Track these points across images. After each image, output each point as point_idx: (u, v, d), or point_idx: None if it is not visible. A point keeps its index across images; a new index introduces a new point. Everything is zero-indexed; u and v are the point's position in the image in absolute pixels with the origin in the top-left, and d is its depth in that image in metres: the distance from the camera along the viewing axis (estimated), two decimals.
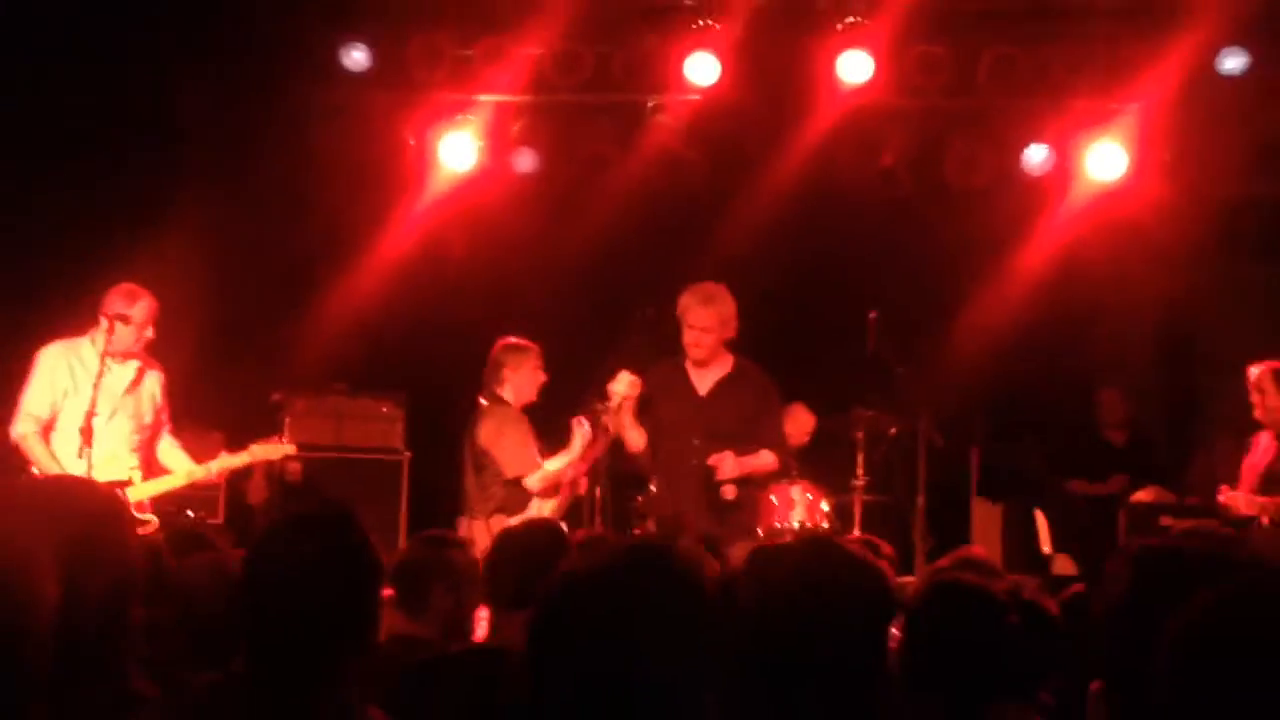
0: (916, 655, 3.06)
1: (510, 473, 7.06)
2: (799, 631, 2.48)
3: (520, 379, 7.18)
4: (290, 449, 7.12)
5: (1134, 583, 2.12)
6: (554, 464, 7.13)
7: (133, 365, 6.78)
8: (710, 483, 6.81)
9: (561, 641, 2.01)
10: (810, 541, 2.83)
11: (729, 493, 6.83)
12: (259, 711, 2.43)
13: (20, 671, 1.44)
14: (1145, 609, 2.03)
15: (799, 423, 8.67)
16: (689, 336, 6.91)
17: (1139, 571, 2.14)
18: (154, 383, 6.89)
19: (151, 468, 6.80)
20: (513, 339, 7.31)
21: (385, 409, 8.92)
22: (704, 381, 6.99)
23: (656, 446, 7.02)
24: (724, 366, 7.04)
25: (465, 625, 4.23)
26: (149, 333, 6.71)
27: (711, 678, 2.02)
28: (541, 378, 7.21)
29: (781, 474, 7.60)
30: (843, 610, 2.53)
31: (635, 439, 6.99)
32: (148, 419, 6.83)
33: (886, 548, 5.10)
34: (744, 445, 6.88)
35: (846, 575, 2.59)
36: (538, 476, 7.04)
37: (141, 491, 6.66)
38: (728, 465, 6.80)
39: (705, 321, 6.92)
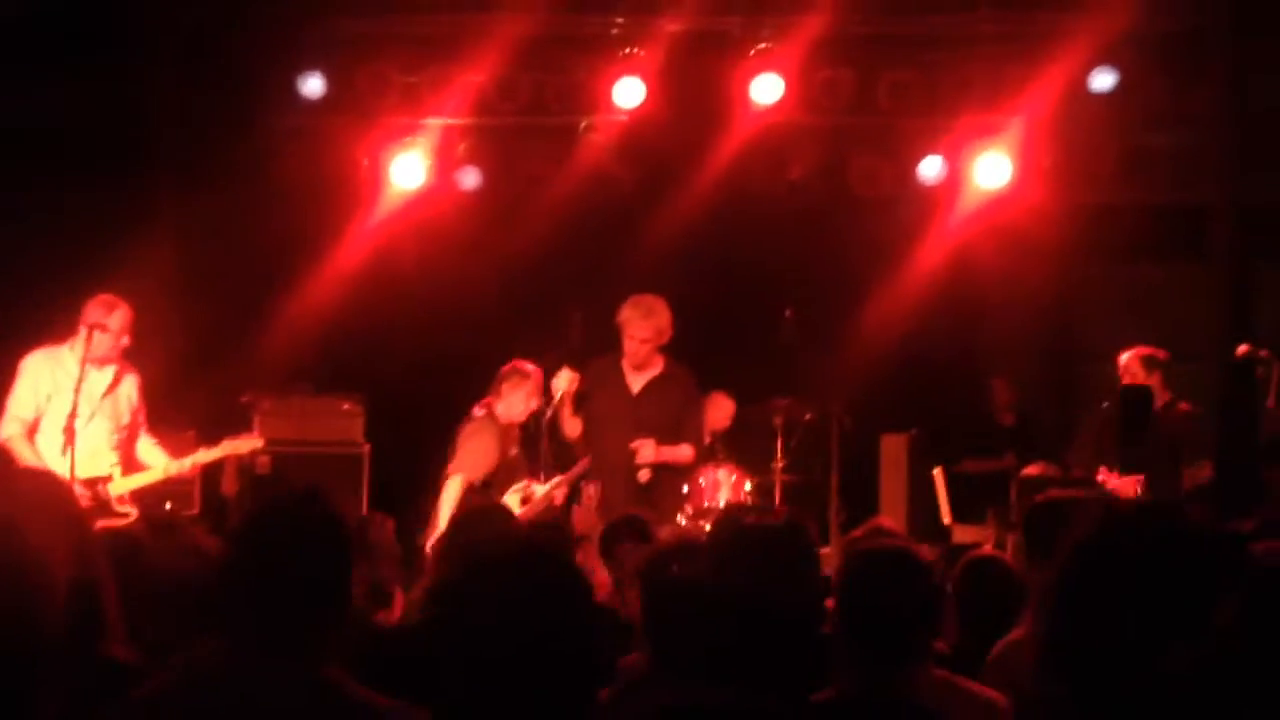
0: (850, 618, 3.04)
1: (451, 469, 7.00)
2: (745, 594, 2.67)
3: (513, 400, 7.17)
4: (259, 443, 7.05)
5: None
6: (541, 489, 7.12)
7: (110, 370, 6.68)
8: (631, 466, 6.85)
9: (451, 618, 2.10)
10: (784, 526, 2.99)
11: (644, 475, 6.85)
12: (245, 684, 2.41)
13: (38, 649, 1.39)
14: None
15: (720, 408, 8.61)
16: (629, 345, 6.95)
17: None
18: (130, 386, 6.79)
19: (131, 464, 6.72)
20: (523, 363, 7.27)
21: (346, 406, 8.79)
22: (637, 380, 7.03)
23: (591, 437, 7.06)
24: (656, 367, 7.07)
25: (388, 596, 4.27)
26: (125, 340, 6.61)
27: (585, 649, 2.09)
28: (534, 404, 7.18)
29: (702, 460, 7.56)
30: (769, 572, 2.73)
31: (572, 427, 7.08)
32: (125, 419, 6.74)
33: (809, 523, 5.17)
34: (668, 439, 6.94)
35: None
36: (457, 483, 6.94)
37: (121, 486, 6.58)
38: (646, 451, 6.84)
39: (644, 333, 6.96)
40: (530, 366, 7.28)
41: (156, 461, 6.73)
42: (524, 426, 7.26)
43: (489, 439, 7.11)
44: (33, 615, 1.38)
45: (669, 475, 7.06)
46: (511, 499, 7.00)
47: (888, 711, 2.40)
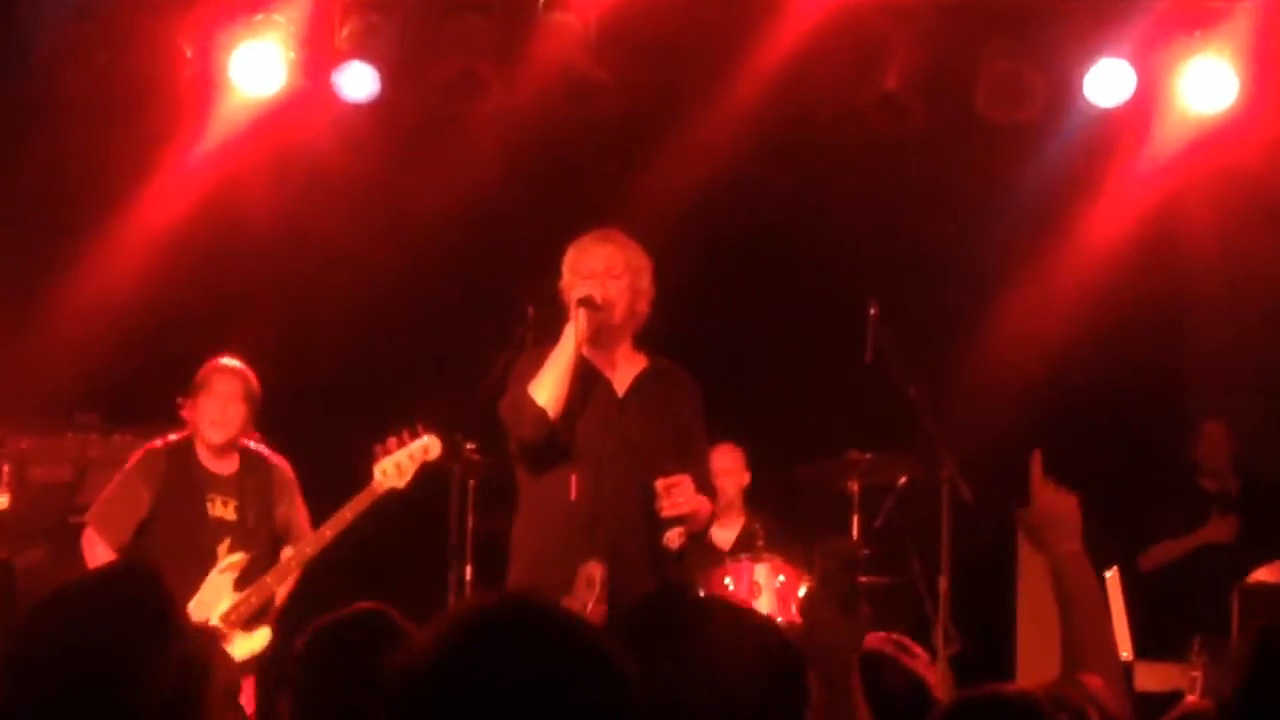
0: None
1: (89, 514, 7.34)
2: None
3: (208, 417, 7.33)
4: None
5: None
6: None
7: None
8: (652, 520, 6.28)
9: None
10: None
11: (675, 539, 6.31)
12: None
13: None
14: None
15: (728, 462, 8.47)
16: (588, 288, 6.33)
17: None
18: None
19: None
20: (222, 361, 7.43)
21: None
22: (620, 376, 6.52)
23: (554, 461, 6.48)
24: (636, 361, 6.55)
25: None
26: None
27: None
28: (238, 421, 7.39)
29: (742, 545, 7.87)
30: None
31: (552, 390, 6.25)
32: None
33: (917, 648, 4.82)
34: (668, 469, 6.35)
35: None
36: (89, 540, 7.20)
37: None
38: (684, 492, 6.23)
39: (609, 260, 6.33)
40: (234, 362, 7.39)
41: None
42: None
43: (139, 479, 7.22)
44: None
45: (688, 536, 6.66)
46: (220, 581, 7.04)
47: None
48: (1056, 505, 4.94)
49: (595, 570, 6.05)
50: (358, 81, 8.73)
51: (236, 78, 8.67)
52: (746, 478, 8.63)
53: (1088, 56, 8.63)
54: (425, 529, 8.05)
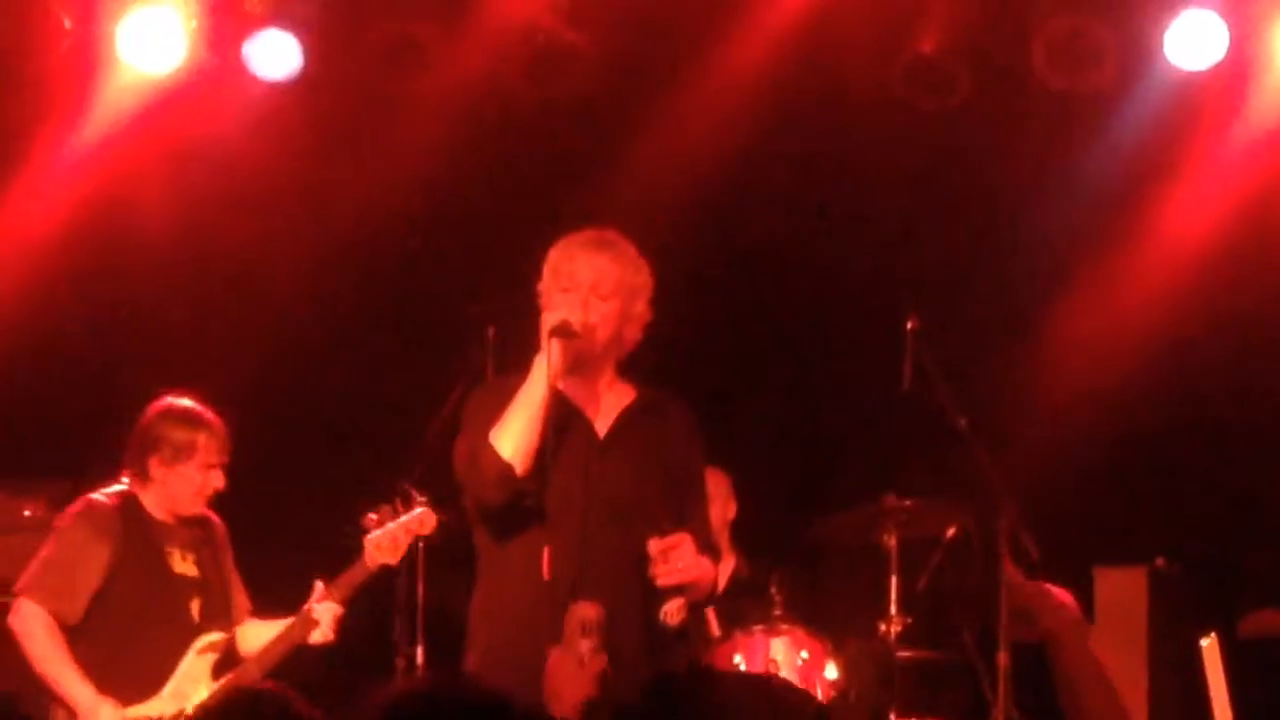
0: None
1: (20, 585, 7.09)
2: None
3: (177, 474, 7.10)
4: None
5: None
6: (263, 630, 7.12)
7: None
8: (646, 592, 6.11)
9: None
10: None
11: (675, 614, 6.16)
12: None
13: None
14: None
15: (712, 494, 8.19)
16: (565, 310, 6.12)
17: None
18: None
19: None
20: (184, 401, 7.21)
21: (29, 512, 8.44)
22: (602, 415, 6.34)
23: (522, 518, 6.28)
24: (622, 393, 6.31)
25: None
26: None
27: None
28: (215, 482, 7.16)
29: (751, 612, 7.68)
30: None
31: (519, 439, 6.12)
32: None
33: None
34: (664, 527, 6.16)
35: None
36: (28, 611, 7.00)
37: None
38: (684, 555, 6.08)
39: (598, 275, 6.08)
40: (195, 407, 7.21)
41: None
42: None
43: (92, 537, 7.07)
44: None
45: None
46: (198, 665, 7.01)
47: None
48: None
49: (589, 612, 5.76)
50: (274, 54, 8.81)
51: (126, 52, 8.69)
52: (733, 509, 8.53)
53: (1169, 8, 8.62)
54: (366, 602, 7.54)
